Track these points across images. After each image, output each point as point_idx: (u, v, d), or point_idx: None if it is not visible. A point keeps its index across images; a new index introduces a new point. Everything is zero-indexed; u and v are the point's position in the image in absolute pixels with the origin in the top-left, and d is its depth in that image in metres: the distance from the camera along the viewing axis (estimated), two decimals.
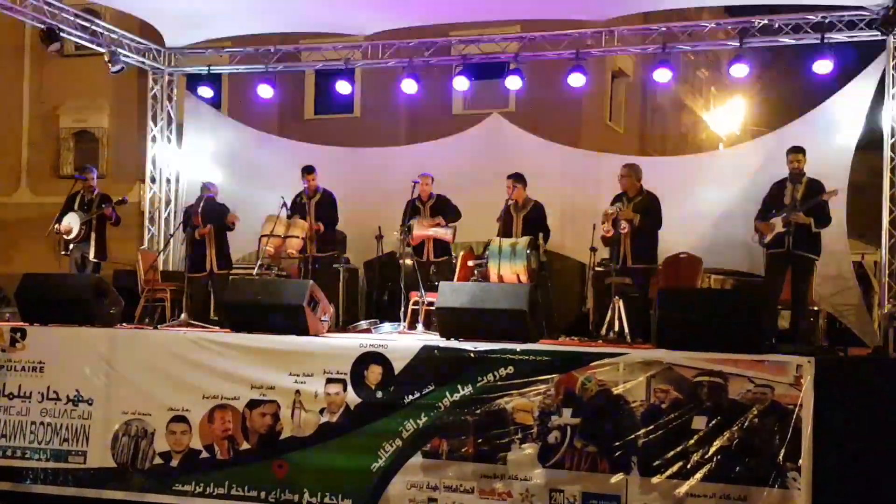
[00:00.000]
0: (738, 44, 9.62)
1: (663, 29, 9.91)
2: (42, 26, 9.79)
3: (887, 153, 8.97)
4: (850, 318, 9.21)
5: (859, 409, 5.49)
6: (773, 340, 6.45)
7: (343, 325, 8.80)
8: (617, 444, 5.62)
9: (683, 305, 6.21)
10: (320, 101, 18.45)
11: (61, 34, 10.02)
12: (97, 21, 10.71)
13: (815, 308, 8.61)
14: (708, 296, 7.58)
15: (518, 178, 8.62)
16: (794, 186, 8.11)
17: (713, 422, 5.48)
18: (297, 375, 6.27)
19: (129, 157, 16.20)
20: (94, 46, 10.71)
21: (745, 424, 5.43)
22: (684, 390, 5.57)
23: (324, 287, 7.33)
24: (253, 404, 6.35)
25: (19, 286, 7.45)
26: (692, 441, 5.50)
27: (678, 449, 5.51)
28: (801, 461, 5.32)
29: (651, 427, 5.58)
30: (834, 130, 9.35)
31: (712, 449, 5.46)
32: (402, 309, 8.39)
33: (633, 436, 5.60)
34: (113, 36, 10.79)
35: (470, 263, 8.63)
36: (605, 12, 9.69)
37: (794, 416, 5.35)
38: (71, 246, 9.27)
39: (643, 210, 8.08)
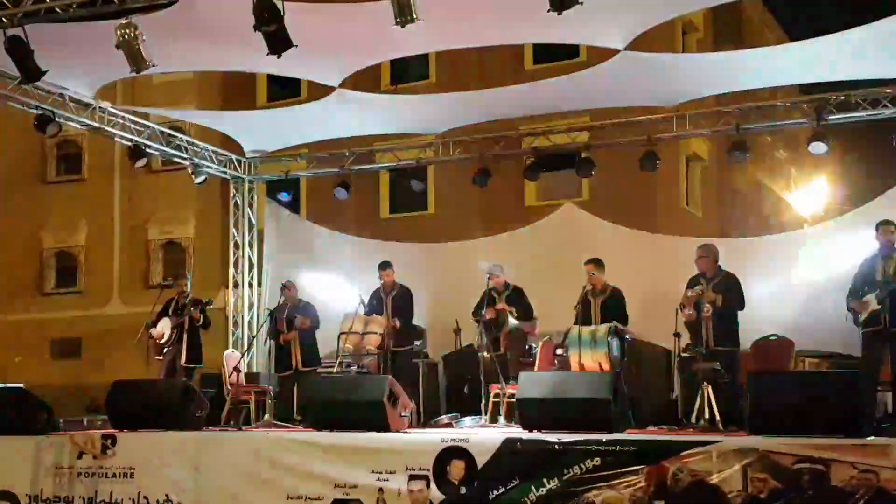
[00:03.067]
0: (815, 121, 9.48)
1: (737, 109, 9.83)
2: (130, 144, 10.33)
3: None
4: None
5: None
6: (874, 423, 6.11)
7: (424, 419, 8.70)
8: None
9: (776, 389, 5.99)
10: (395, 199, 18.81)
11: (148, 150, 10.54)
12: (181, 136, 11.24)
13: None
14: (801, 378, 7.25)
15: (597, 263, 8.50)
16: (886, 263, 7.79)
17: None
18: (380, 473, 6.21)
19: (214, 264, 16.72)
20: (178, 160, 11.23)
21: None
22: (784, 479, 5.30)
23: (403, 382, 7.31)
24: None
25: (109, 394, 7.66)
26: None
27: None
28: None
29: None
30: None
31: None
32: (483, 402, 8.27)
33: None
34: (196, 149, 11.30)
35: (559, 352, 8.44)
36: (674, 99, 9.72)
37: None
38: (165, 350, 9.47)
39: (724, 290, 7.89)
